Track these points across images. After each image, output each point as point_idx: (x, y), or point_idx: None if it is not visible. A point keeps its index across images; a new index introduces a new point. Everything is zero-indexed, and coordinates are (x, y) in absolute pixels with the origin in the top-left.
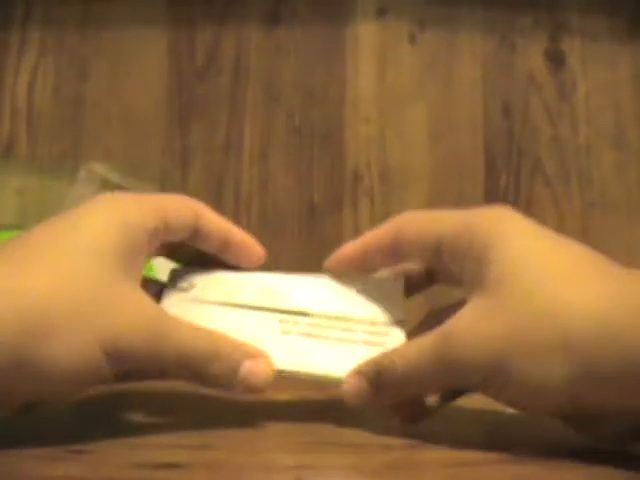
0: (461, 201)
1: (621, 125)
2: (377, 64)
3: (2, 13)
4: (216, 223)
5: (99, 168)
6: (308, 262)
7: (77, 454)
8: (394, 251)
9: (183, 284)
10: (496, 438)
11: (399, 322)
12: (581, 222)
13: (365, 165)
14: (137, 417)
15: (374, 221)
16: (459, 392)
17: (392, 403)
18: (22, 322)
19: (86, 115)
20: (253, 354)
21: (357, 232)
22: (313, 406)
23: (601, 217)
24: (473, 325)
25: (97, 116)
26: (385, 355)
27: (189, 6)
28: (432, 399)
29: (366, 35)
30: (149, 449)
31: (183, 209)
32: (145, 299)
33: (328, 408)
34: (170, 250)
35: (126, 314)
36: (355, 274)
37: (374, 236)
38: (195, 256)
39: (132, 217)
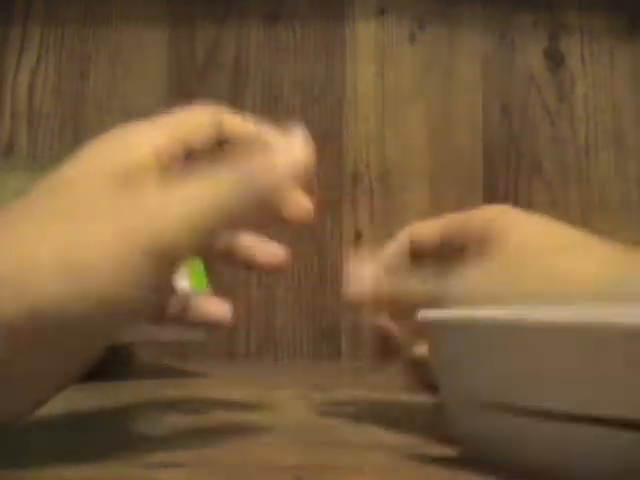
0: (460, 200)
1: (620, 125)
2: (377, 63)
3: (3, 10)
4: (242, 127)
5: None
6: (308, 261)
7: (78, 454)
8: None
9: None
10: None
11: None
12: (580, 222)
13: (365, 165)
14: (137, 417)
15: (374, 221)
16: None
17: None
18: (67, 266)
19: (87, 114)
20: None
21: (357, 232)
22: (313, 406)
23: (600, 217)
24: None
25: (98, 115)
26: None
27: (189, 5)
28: None
29: (366, 34)
30: (149, 449)
31: (198, 125)
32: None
33: (329, 408)
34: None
35: (147, 213)
36: None
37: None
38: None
39: (133, 136)
